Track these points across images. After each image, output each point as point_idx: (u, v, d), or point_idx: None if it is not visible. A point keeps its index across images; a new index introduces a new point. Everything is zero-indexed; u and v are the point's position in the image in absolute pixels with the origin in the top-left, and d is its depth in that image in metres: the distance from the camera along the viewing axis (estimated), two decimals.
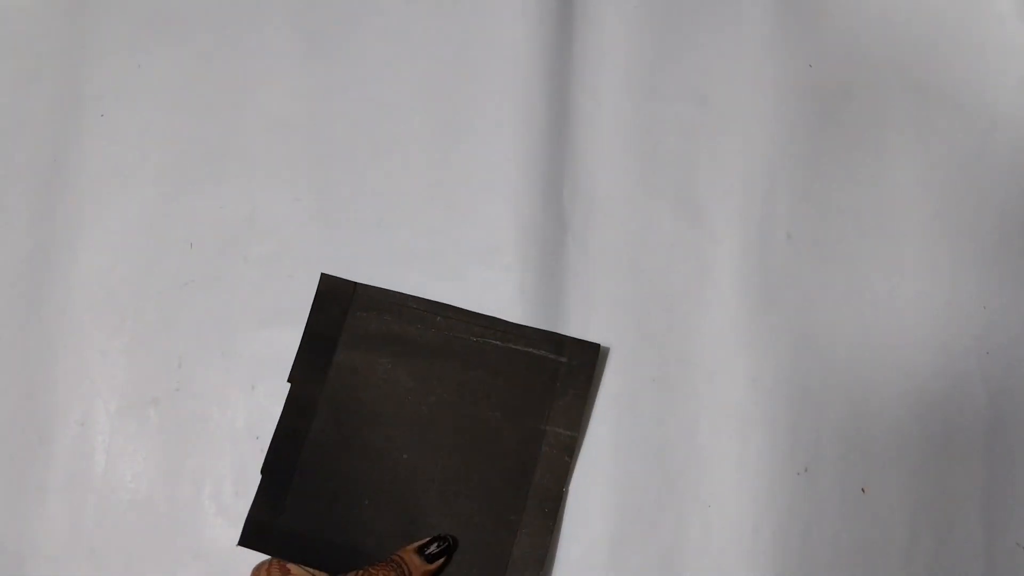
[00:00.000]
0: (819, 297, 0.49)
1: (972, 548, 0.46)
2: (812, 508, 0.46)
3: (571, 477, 0.46)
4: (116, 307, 0.49)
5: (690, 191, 0.50)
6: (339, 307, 0.48)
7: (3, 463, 0.47)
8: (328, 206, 0.50)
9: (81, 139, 0.51)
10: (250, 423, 0.47)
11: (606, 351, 0.48)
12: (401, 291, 0.48)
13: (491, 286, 0.48)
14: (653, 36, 0.52)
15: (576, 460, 0.46)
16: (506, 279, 0.48)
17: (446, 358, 0.47)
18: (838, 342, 0.48)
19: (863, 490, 0.47)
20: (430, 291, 0.48)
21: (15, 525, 0.46)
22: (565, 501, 0.45)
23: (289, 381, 0.47)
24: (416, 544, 0.43)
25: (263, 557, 0.44)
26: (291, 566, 0.42)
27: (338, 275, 0.48)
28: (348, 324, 0.47)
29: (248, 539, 0.44)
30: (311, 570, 0.42)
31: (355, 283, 0.48)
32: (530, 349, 0.47)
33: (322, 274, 0.48)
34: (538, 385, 0.46)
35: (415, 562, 0.42)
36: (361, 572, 0.40)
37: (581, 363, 0.46)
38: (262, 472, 0.45)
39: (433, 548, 0.43)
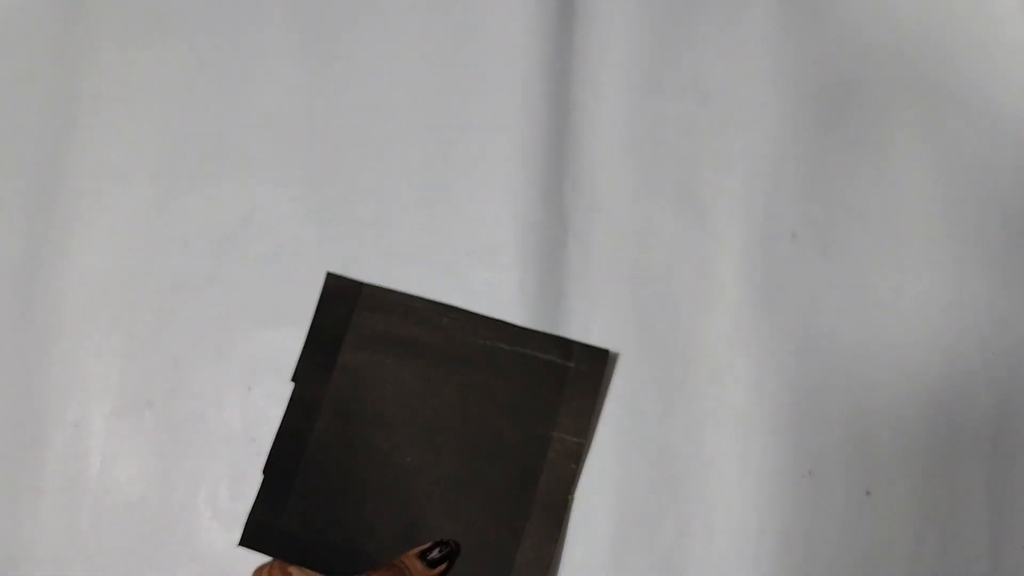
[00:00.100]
0: (823, 297, 0.49)
1: (978, 550, 0.46)
2: (817, 511, 0.46)
3: (577, 484, 0.45)
4: (111, 307, 0.48)
5: (693, 190, 0.50)
6: (345, 307, 0.47)
7: None
8: (326, 205, 0.50)
9: (77, 138, 0.51)
10: (247, 425, 0.47)
11: (615, 356, 0.47)
12: (402, 291, 0.47)
13: (491, 286, 0.48)
14: (655, 33, 0.52)
15: (583, 467, 0.46)
16: (506, 279, 0.48)
17: (452, 361, 0.46)
18: (843, 343, 0.48)
19: (868, 493, 0.46)
20: (429, 291, 0.48)
21: (9, 527, 0.46)
22: (571, 508, 0.45)
23: (293, 380, 0.46)
24: (418, 549, 0.43)
25: (260, 560, 0.44)
26: (292, 568, 0.41)
27: (336, 274, 0.48)
28: (353, 324, 0.47)
29: (249, 539, 0.44)
30: (311, 572, 0.42)
31: (361, 283, 0.48)
32: (537, 353, 0.46)
33: (328, 273, 0.48)
34: (545, 390, 0.46)
35: (417, 567, 0.42)
36: None
37: (589, 369, 0.46)
38: (264, 472, 0.45)
39: (435, 553, 0.43)
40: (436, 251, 0.49)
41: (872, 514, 0.46)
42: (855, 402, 0.47)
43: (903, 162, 0.51)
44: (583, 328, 0.48)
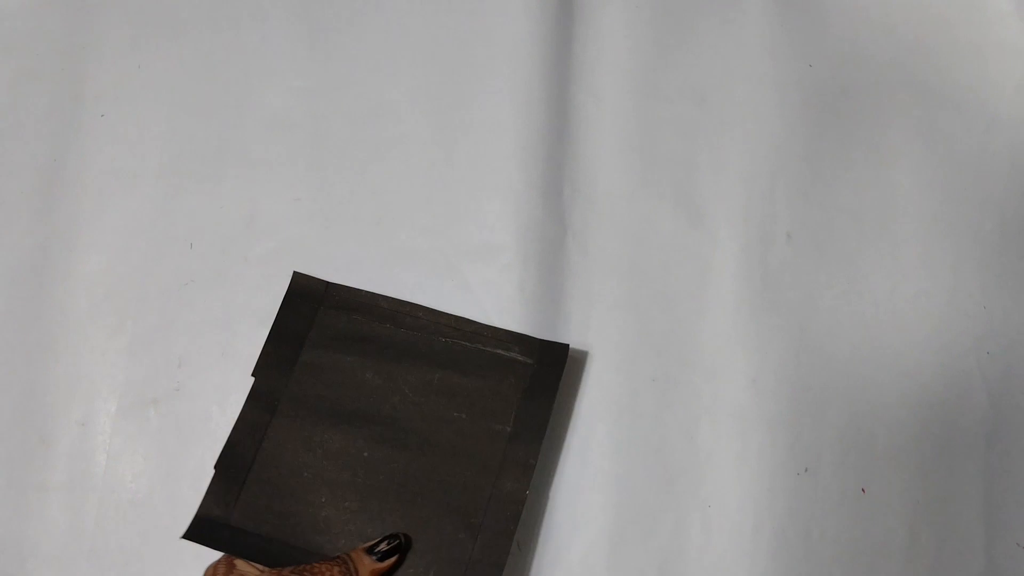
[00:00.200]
0: (819, 297, 0.49)
1: (972, 548, 0.46)
2: (812, 508, 0.46)
3: (532, 481, 0.44)
4: (116, 307, 0.49)
5: (690, 191, 0.50)
6: (309, 305, 0.47)
7: (3, 463, 0.47)
8: (328, 206, 0.50)
9: (81, 139, 0.51)
10: None
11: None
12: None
13: (491, 286, 0.48)
14: (653, 35, 0.52)
15: (539, 463, 0.44)
16: (506, 279, 0.48)
17: (414, 358, 0.46)
18: (838, 342, 0.48)
19: (863, 490, 0.46)
20: (429, 290, 0.48)
21: (16, 525, 0.46)
22: (526, 505, 0.44)
23: (252, 376, 0.46)
24: (367, 544, 0.42)
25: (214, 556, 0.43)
26: (238, 561, 0.40)
27: (337, 274, 0.48)
28: (318, 322, 0.47)
29: (195, 533, 0.43)
30: (258, 566, 0.40)
31: (326, 282, 0.48)
32: (499, 351, 0.46)
33: (294, 272, 0.48)
34: (505, 386, 0.46)
35: (364, 561, 0.41)
36: (305, 568, 0.39)
37: (550, 365, 0.46)
38: (215, 467, 0.44)
39: (383, 546, 0.42)
40: (437, 251, 0.49)
41: (867, 511, 0.46)
42: (851, 401, 0.47)
43: (898, 163, 0.51)
44: (582, 327, 0.48)
